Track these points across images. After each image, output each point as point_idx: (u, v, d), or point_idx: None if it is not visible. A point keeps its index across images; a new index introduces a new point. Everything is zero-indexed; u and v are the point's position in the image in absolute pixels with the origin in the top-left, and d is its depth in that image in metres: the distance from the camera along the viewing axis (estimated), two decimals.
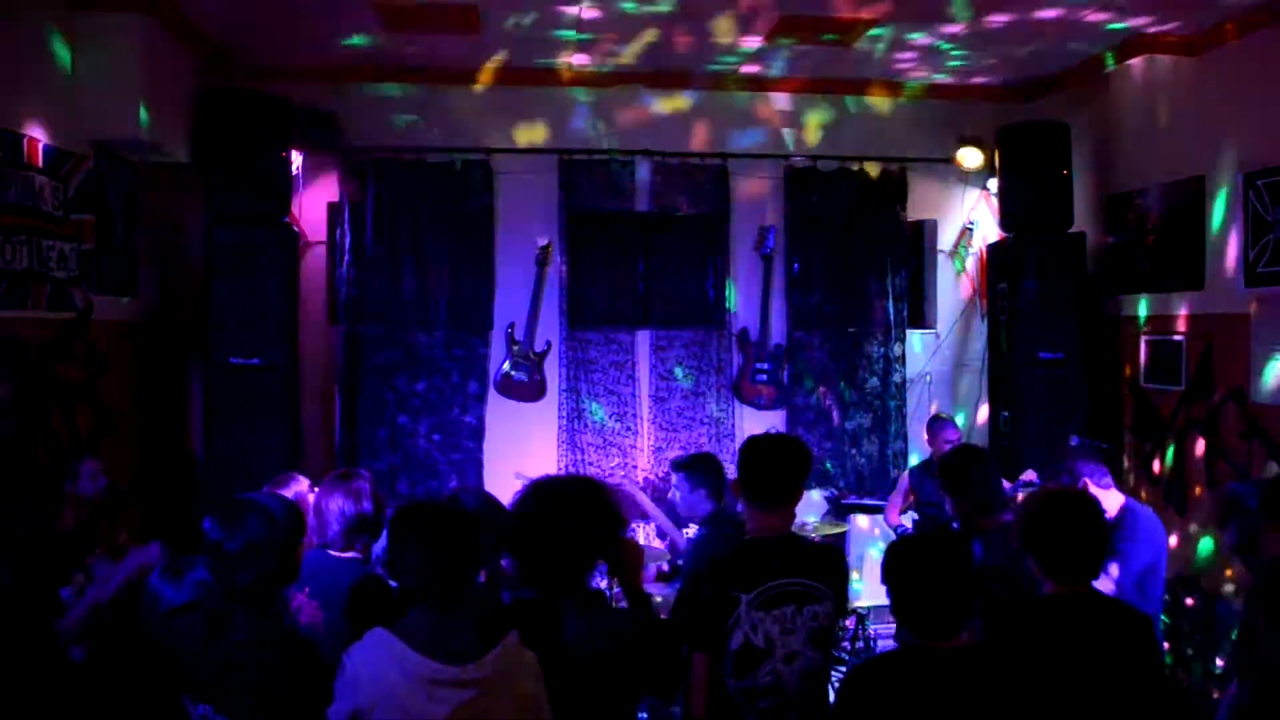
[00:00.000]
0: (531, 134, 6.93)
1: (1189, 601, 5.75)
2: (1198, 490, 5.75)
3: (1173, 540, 5.95)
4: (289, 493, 3.79)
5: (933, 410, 7.03)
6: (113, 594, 3.10)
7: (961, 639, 2.46)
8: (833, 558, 3.08)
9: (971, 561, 2.57)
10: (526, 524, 2.73)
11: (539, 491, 2.79)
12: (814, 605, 2.92)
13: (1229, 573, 5.44)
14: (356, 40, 6.13)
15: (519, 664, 2.43)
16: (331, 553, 3.43)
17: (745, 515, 3.13)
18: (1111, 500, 4.38)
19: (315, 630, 3.25)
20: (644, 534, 6.70)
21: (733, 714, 2.88)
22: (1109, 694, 2.74)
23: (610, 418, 6.96)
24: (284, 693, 2.56)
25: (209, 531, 2.70)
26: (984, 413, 7.04)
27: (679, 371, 7.04)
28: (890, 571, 2.54)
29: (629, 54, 6.45)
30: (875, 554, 7.03)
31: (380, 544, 3.44)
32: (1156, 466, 6.10)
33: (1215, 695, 5.43)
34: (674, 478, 4.61)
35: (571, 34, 6.00)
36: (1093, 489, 4.37)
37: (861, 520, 7.08)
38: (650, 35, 6.02)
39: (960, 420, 6.90)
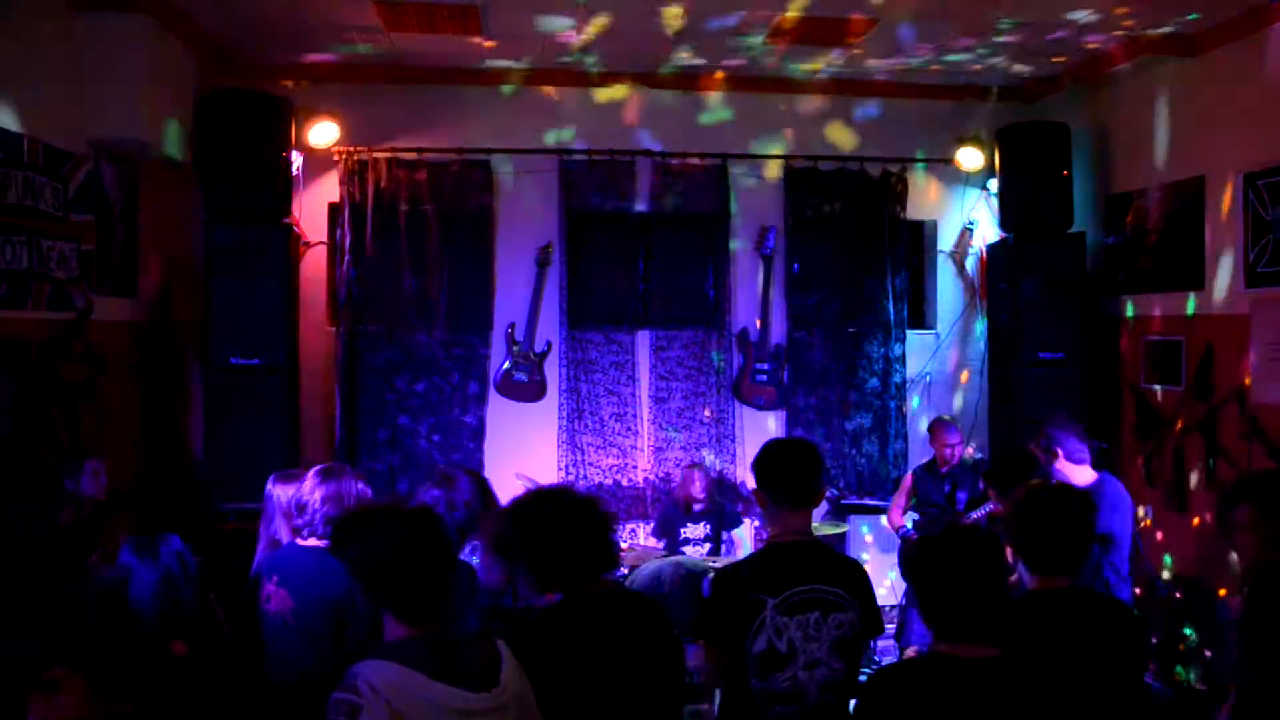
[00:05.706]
0: (532, 134, 6.92)
1: (1177, 595, 5.76)
2: (1197, 488, 5.75)
3: (1172, 540, 5.96)
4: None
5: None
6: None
7: (986, 648, 2.36)
8: (857, 570, 3.04)
9: (1004, 562, 2.50)
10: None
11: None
12: (839, 614, 2.89)
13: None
14: (356, 40, 6.12)
15: (521, 677, 2.35)
16: (299, 541, 3.41)
17: (767, 521, 3.09)
18: (1083, 475, 4.52)
19: (283, 618, 3.26)
20: (643, 534, 6.71)
21: (752, 713, 2.87)
22: (1090, 691, 2.74)
23: (610, 418, 6.96)
24: None
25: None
26: (983, 413, 7.04)
27: (680, 370, 7.03)
28: (921, 568, 2.46)
29: (629, 54, 6.45)
30: (870, 555, 7.03)
31: None
32: (1156, 466, 6.10)
33: (1205, 688, 5.44)
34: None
35: (572, 33, 6.00)
36: (1061, 463, 4.54)
37: (861, 520, 7.07)
38: (651, 35, 6.01)
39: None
